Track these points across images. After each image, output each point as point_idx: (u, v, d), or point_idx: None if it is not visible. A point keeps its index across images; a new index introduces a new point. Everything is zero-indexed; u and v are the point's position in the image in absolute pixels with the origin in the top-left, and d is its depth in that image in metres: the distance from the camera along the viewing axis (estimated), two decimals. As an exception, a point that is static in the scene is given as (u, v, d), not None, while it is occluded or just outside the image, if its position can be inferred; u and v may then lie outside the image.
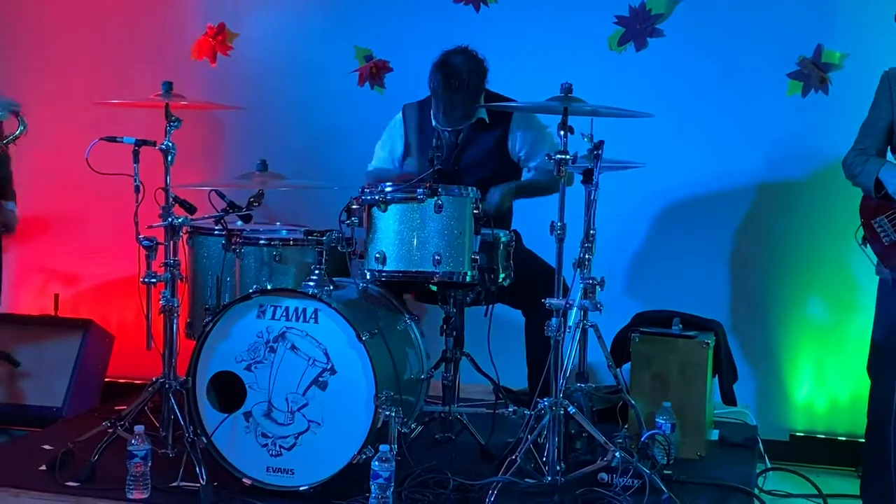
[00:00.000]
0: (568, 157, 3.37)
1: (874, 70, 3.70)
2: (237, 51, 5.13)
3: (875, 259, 3.64)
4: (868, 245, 3.64)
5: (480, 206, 3.59)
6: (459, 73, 3.93)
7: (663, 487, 3.28)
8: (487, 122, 4.10)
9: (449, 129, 4.07)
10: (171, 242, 3.59)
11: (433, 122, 4.10)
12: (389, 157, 4.29)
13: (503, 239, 3.73)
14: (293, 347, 3.34)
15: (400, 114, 4.28)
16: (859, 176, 3.61)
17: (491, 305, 3.84)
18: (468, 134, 4.08)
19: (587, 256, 3.53)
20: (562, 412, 3.39)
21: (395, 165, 4.27)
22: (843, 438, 4.57)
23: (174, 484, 3.35)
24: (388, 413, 3.22)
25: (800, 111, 4.57)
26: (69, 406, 4.67)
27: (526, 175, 4.19)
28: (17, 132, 3.87)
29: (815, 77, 4.55)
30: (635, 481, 3.31)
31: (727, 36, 4.62)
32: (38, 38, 5.24)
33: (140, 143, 3.56)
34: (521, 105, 3.90)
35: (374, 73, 4.98)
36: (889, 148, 3.66)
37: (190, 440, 3.36)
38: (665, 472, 3.48)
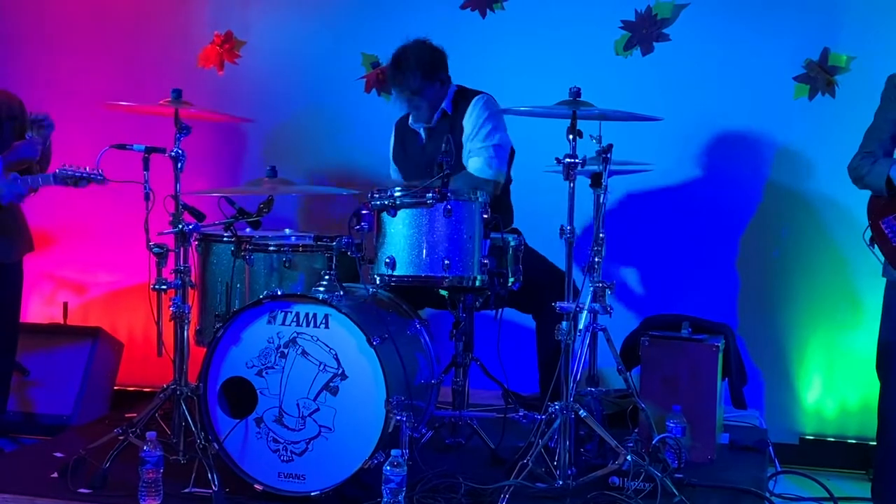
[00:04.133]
0: (577, 160, 3.37)
1: (881, 73, 3.71)
2: (244, 59, 5.15)
3: (882, 259, 3.64)
4: (875, 246, 3.64)
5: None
6: (403, 57, 4.11)
7: (675, 490, 3.28)
8: (450, 113, 4.18)
9: (420, 123, 4.21)
10: (182, 249, 3.61)
11: (409, 122, 4.26)
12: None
13: (512, 243, 3.73)
14: (304, 353, 3.34)
15: (393, 128, 4.43)
16: (867, 176, 3.60)
17: (500, 310, 3.83)
18: (438, 129, 4.15)
19: (597, 259, 3.55)
20: (573, 416, 3.40)
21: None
22: (854, 441, 4.57)
23: (186, 490, 3.35)
24: (399, 418, 3.21)
25: (806, 114, 4.59)
26: (79, 414, 4.69)
27: (465, 157, 4.17)
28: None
29: (821, 80, 4.56)
30: (647, 485, 3.32)
31: (733, 40, 4.64)
32: (46, 43, 5.26)
33: (150, 151, 3.58)
34: (530, 110, 3.90)
35: (381, 79, 4.99)
36: None
37: (202, 446, 3.36)
38: (676, 475, 3.47)
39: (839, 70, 4.54)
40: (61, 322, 5.12)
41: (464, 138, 4.14)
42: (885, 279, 3.69)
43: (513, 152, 4.25)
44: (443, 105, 4.18)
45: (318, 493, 3.30)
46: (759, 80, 4.61)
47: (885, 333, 3.70)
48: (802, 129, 4.60)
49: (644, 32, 4.73)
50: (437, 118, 4.20)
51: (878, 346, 3.72)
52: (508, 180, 4.24)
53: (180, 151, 3.60)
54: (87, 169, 3.84)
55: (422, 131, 4.25)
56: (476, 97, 4.16)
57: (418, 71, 4.10)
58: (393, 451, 3.13)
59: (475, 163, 4.09)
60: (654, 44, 4.72)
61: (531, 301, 3.94)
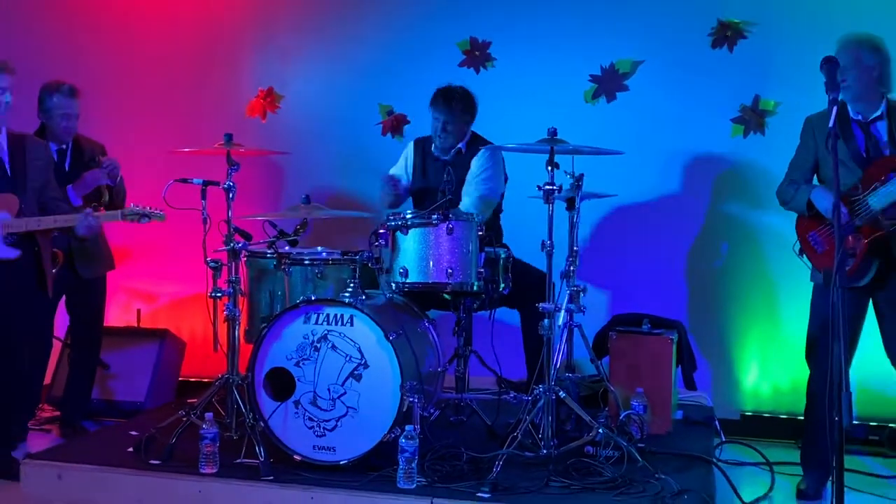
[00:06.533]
0: (554, 187, 3.40)
1: (802, 114, 3.73)
2: (283, 109, 5.17)
3: (810, 265, 3.64)
4: (804, 255, 3.64)
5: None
6: (454, 91, 4.13)
7: (638, 457, 3.30)
8: (464, 152, 4.16)
9: (442, 152, 4.17)
10: (233, 264, 3.63)
11: (432, 150, 4.22)
12: (402, 171, 4.38)
13: (502, 255, 3.74)
14: (333, 347, 3.36)
15: (412, 144, 4.38)
16: (792, 201, 3.63)
17: (493, 310, 3.84)
18: (452, 161, 4.13)
19: (572, 268, 3.57)
20: (554, 397, 3.41)
21: (407, 178, 4.35)
22: (785, 416, 4.55)
23: (238, 461, 3.37)
24: (412, 399, 3.24)
25: (741, 149, 4.60)
26: (150, 400, 4.70)
27: (462, 192, 4.11)
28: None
29: (753, 121, 4.58)
30: (615, 452, 3.34)
31: (681, 89, 4.65)
32: (126, 102, 5.29)
33: (207, 184, 3.62)
34: (516, 147, 3.91)
35: (395, 125, 5.02)
36: (815, 178, 3.67)
37: (250, 425, 3.38)
38: (639, 445, 3.50)
39: (768, 113, 4.56)
40: (135, 325, 5.13)
41: (467, 175, 4.14)
42: (812, 283, 3.69)
43: (506, 178, 4.26)
44: (459, 144, 4.18)
45: (346, 461, 3.32)
46: (703, 122, 4.63)
47: (812, 328, 3.69)
48: (738, 162, 4.61)
49: (608, 84, 4.75)
50: (453, 153, 4.18)
51: (807, 339, 3.70)
52: (499, 209, 4.25)
53: (231, 184, 3.63)
54: (150, 208, 3.81)
55: (438, 159, 4.21)
56: (487, 146, 4.14)
57: (461, 103, 4.11)
58: (407, 427, 3.15)
59: (464, 203, 4.08)
60: (617, 93, 4.74)
61: (518, 300, 3.93)
